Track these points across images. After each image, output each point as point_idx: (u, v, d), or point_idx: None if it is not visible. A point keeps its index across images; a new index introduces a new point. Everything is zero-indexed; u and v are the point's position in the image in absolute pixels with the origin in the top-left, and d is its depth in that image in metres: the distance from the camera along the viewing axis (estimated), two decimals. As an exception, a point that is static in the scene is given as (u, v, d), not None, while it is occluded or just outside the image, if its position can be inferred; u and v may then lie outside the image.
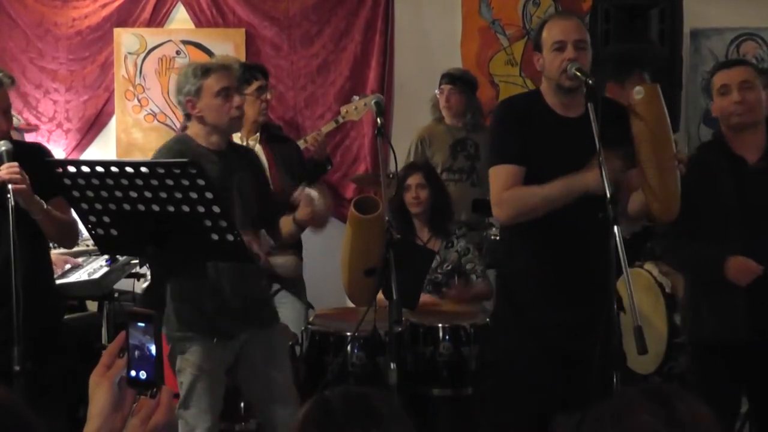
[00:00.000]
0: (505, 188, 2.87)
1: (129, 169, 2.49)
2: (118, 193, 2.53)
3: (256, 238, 3.00)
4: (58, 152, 5.56)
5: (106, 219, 2.62)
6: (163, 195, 2.50)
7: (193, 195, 2.50)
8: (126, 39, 5.83)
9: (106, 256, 4.32)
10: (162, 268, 3.21)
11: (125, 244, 2.74)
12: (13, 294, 2.63)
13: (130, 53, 5.84)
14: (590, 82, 2.69)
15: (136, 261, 4.51)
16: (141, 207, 2.54)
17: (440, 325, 3.65)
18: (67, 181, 2.56)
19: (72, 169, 2.54)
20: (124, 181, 2.50)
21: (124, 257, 4.38)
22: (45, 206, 2.90)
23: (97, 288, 4.21)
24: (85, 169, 2.52)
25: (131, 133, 5.89)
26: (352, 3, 5.81)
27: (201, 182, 2.48)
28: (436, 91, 5.11)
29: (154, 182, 2.48)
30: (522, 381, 2.95)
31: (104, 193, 2.55)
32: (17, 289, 2.63)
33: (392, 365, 2.72)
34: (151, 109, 5.88)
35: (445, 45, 5.80)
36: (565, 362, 2.89)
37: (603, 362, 2.49)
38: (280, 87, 5.77)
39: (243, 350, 3.20)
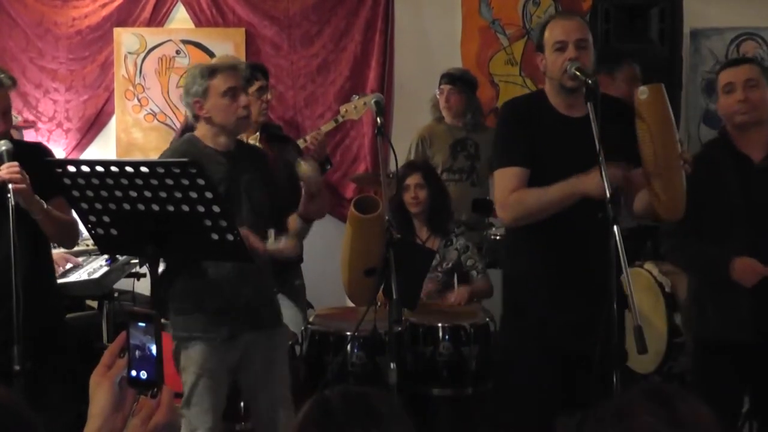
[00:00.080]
0: (510, 191, 2.88)
1: (129, 169, 2.49)
2: (118, 193, 2.53)
3: (253, 233, 3.00)
4: (58, 152, 5.55)
5: (106, 219, 2.62)
6: (163, 195, 2.50)
7: (193, 194, 2.49)
8: (126, 38, 5.83)
9: (105, 256, 4.32)
10: (167, 268, 3.21)
11: (125, 243, 2.74)
12: (13, 294, 2.62)
13: (130, 53, 5.84)
14: (590, 81, 2.69)
15: (136, 261, 4.51)
16: (141, 207, 2.54)
17: (440, 324, 3.65)
18: (67, 181, 2.55)
19: (72, 168, 2.54)
20: (124, 181, 2.50)
21: (124, 257, 4.38)
22: (45, 206, 2.90)
23: (97, 287, 4.21)
24: (85, 168, 2.52)
25: (131, 133, 5.89)
26: (352, 3, 5.81)
27: (201, 182, 2.48)
28: (436, 92, 5.11)
29: (154, 182, 2.48)
30: (524, 381, 2.96)
31: (104, 193, 2.55)
32: (17, 289, 2.63)
33: (392, 365, 2.73)
34: (151, 109, 5.88)
35: (445, 45, 5.80)
36: (567, 362, 2.90)
37: (603, 362, 2.49)
38: (280, 86, 5.77)
39: (246, 351, 3.20)
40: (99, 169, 2.51)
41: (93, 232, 2.69)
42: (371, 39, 5.81)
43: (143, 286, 4.64)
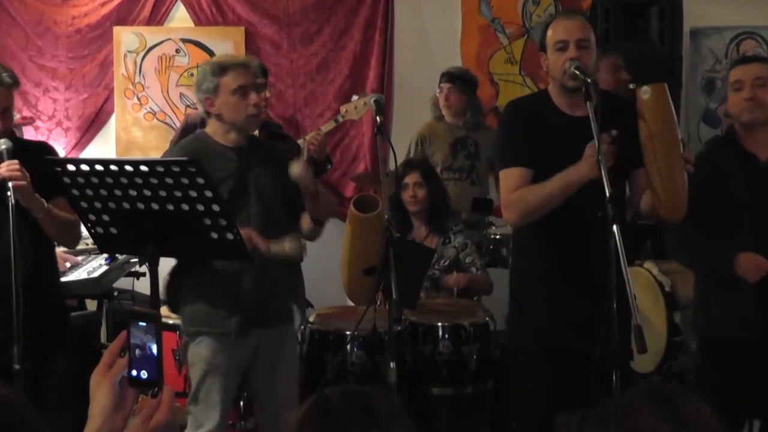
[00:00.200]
0: (513, 191, 2.89)
1: (128, 168, 2.49)
2: (118, 192, 2.53)
3: (256, 233, 2.99)
4: (58, 150, 5.53)
5: (106, 218, 2.62)
6: (163, 193, 2.50)
7: (193, 193, 2.49)
8: (125, 37, 5.83)
9: (105, 255, 4.32)
10: (178, 264, 3.22)
11: (125, 242, 2.74)
12: (13, 293, 2.62)
13: (129, 51, 5.83)
14: (589, 80, 2.70)
15: (136, 260, 4.52)
16: (140, 205, 2.54)
17: (440, 323, 3.64)
18: (67, 180, 2.55)
19: (71, 167, 2.54)
20: (124, 180, 2.50)
21: (124, 256, 4.39)
22: (46, 205, 2.89)
23: (97, 287, 4.21)
24: (85, 167, 2.52)
25: (131, 132, 5.89)
26: (351, 1, 5.81)
27: (200, 181, 2.48)
28: (436, 90, 5.11)
29: (154, 181, 2.47)
30: (525, 380, 2.97)
31: (104, 192, 2.55)
32: (17, 288, 2.62)
33: (392, 364, 2.72)
34: (150, 108, 5.88)
35: (444, 43, 5.80)
36: (568, 362, 2.90)
37: (604, 361, 2.49)
38: (280, 85, 5.77)
39: (256, 347, 3.19)
40: (98, 168, 2.51)
41: (92, 231, 2.68)
42: (371, 38, 5.81)
43: (143, 285, 4.63)
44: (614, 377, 2.46)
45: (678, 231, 3.21)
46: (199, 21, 5.87)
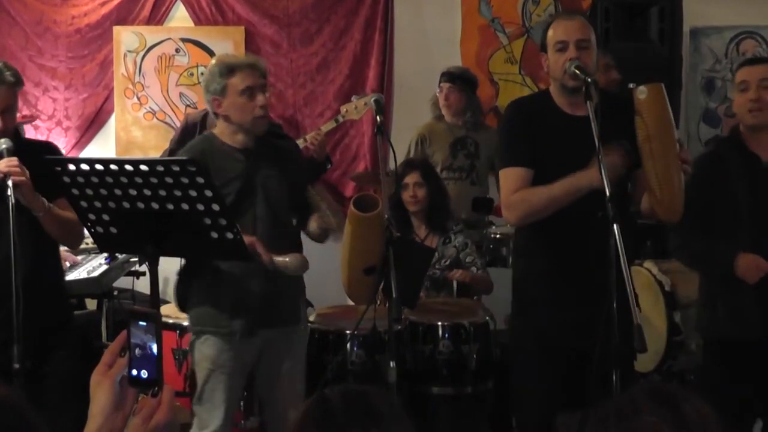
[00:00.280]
0: (514, 191, 2.89)
1: (128, 167, 2.48)
2: (118, 191, 2.53)
3: (260, 243, 2.99)
4: (58, 150, 5.54)
5: (106, 217, 2.62)
6: (163, 193, 2.50)
7: (193, 193, 2.49)
8: (125, 37, 5.83)
9: (105, 254, 4.32)
10: (186, 263, 3.23)
11: (124, 242, 2.73)
12: (13, 292, 2.62)
13: (129, 51, 5.83)
14: (589, 80, 2.70)
15: (136, 259, 4.52)
16: (140, 205, 2.54)
17: (440, 323, 3.64)
18: (66, 179, 2.55)
19: (71, 167, 2.54)
20: (124, 179, 2.50)
21: (124, 255, 4.39)
22: (47, 204, 2.88)
23: (97, 286, 4.21)
24: (85, 167, 2.52)
25: (130, 131, 5.89)
26: (351, 1, 5.80)
27: (200, 180, 2.48)
28: (436, 90, 5.11)
29: (154, 180, 2.47)
30: (525, 380, 2.97)
31: (103, 191, 2.55)
32: (17, 288, 2.62)
33: (392, 363, 2.72)
34: (150, 107, 5.88)
35: (444, 43, 5.80)
36: (568, 362, 2.90)
37: (604, 361, 2.49)
38: (280, 85, 5.77)
39: (263, 347, 3.20)
40: (98, 167, 2.51)
41: (92, 230, 2.68)
42: (371, 38, 5.81)
43: (143, 285, 4.64)
44: (614, 377, 2.46)
45: (679, 230, 3.21)
46: (198, 21, 5.87)
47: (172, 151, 4.63)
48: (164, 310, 3.93)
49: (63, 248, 4.00)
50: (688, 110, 5.69)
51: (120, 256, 4.39)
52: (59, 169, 2.55)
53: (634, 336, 2.36)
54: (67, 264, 4.22)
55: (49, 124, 5.85)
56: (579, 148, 2.75)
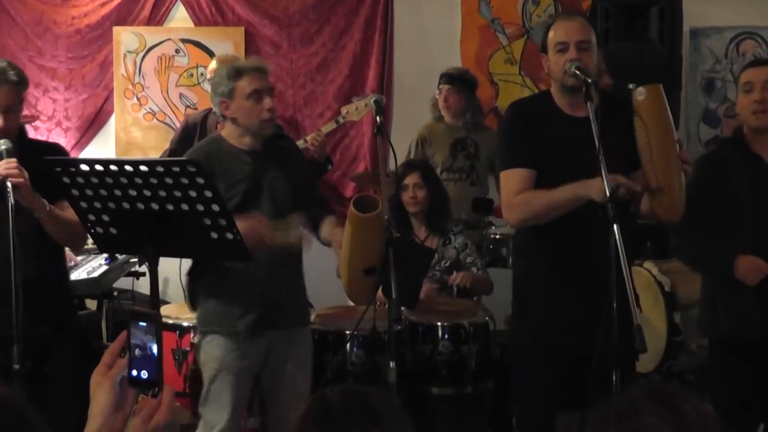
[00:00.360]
0: (515, 192, 2.89)
1: (128, 168, 2.48)
2: (117, 192, 2.53)
3: (264, 222, 3.01)
4: (58, 151, 5.54)
5: (105, 218, 2.62)
6: (163, 194, 2.50)
7: (192, 193, 2.49)
8: (125, 37, 5.83)
9: (105, 255, 4.32)
10: (195, 263, 3.24)
11: (124, 242, 2.74)
12: (12, 293, 2.61)
13: (129, 52, 5.83)
14: (589, 80, 2.70)
15: (136, 259, 4.52)
16: (140, 206, 2.54)
17: (440, 323, 3.64)
18: (66, 180, 2.55)
19: (71, 167, 2.54)
20: (124, 180, 2.50)
21: (124, 256, 4.39)
22: (47, 205, 2.87)
23: (97, 286, 4.21)
24: (84, 167, 2.52)
25: (130, 132, 5.89)
26: (351, 1, 5.80)
27: (200, 181, 2.48)
28: (436, 91, 5.10)
29: (153, 181, 2.47)
30: (525, 380, 2.97)
31: (103, 192, 2.55)
32: (17, 288, 2.62)
33: (391, 364, 2.72)
34: (150, 108, 5.88)
35: (444, 43, 5.80)
36: (568, 362, 2.90)
37: (604, 361, 2.49)
38: (280, 85, 5.77)
39: (269, 348, 3.20)
40: (98, 168, 2.51)
41: (92, 231, 2.68)
42: (371, 38, 5.81)
43: (143, 285, 4.64)
44: (614, 377, 2.46)
45: (680, 230, 3.21)
46: (198, 21, 5.87)
47: (172, 152, 4.64)
48: (164, 310, 3.94)
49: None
50: (687, 110, 5.69)
51: (120, 257, 4.38)
52: (59, 169, 2.55)
53: (634, 336, 2.37)
54: (71, 263, 4.22)
55: (48, 124, 5.86)
56: (579, 148, 2.75)
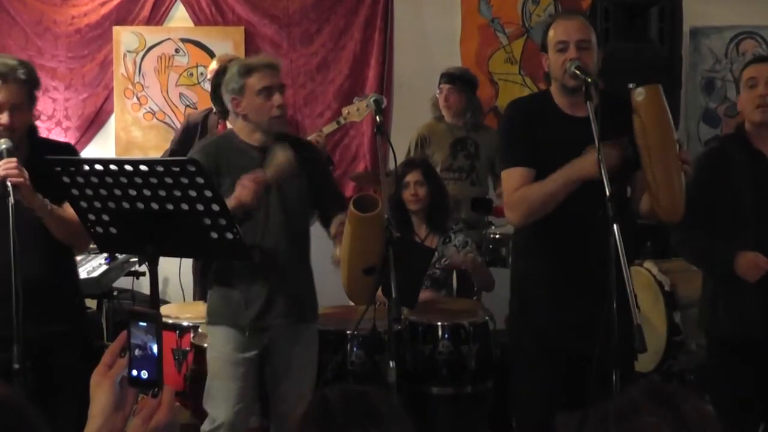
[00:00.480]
0: (515, 191, 2.89)
1: (128, 168, 2.49)
2: (117, 192, 2.53)
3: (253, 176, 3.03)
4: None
5: (105, 217, 2.62)
6: (162, 193, 2.50)
7: (192, 193, 2.50)
8: (125, 37, 5.83)
9: (105, 254, 4.32)
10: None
11: (124, 242, 2.74)
12: (12, 293, 2.61)
13: (129, 51, 5.83)
14: (589, 80, 2.70)
15: (135, 259, 4.52)
16: (140, 205, 2.54)
17: (439, 323, 3.64)
18: (66, 179, 2.55)
19: (71, 167, 2.54)
20: (123, 180, 2.50)
21: (124, 255, 4.39)
22: (49, 205, 2.86)
23: (97, 286, 4.21)
24: (84, 167, 2.52)
25: (130, 131, 5.89)
26: (351, 1, 5.81)
27: (200, 180, 2.48)
28: (436, 91, 5.10)
29: (153, 180, 2.48)
30: (525, 380, 2.97)
31: (103, 192, 2.55)
32: (17, 288, 2.61)
33: (391, 363, 2.73)
34: (150, 107, 5.88)
35: (444, 43, 5.80)
36: (568, 362, 2.90)
37: (604, 361, 2.49)
38: (280, 85, 5.76)
39: (272, 343, 3.21)
40: (98, 167, 2.51)
41: (92, 230, 2.68)
42: (371, 37, 5.81)
43: (143, 285, 4.64)
44: (614, 377, 2.46)
45: (682, 227, 3.21)
46: (198, 21, 5.87)
47: (173, 152, 4.64)
48: (164, 310, 3.94)
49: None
50: (687, 110, 5.69)
51: (120, 257, 4.38)
52: (59, 169, 2.55)
53: (634, 336, 2.36)
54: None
55: (48, 124, 5.85)
56: (579, 148, 2.75)
